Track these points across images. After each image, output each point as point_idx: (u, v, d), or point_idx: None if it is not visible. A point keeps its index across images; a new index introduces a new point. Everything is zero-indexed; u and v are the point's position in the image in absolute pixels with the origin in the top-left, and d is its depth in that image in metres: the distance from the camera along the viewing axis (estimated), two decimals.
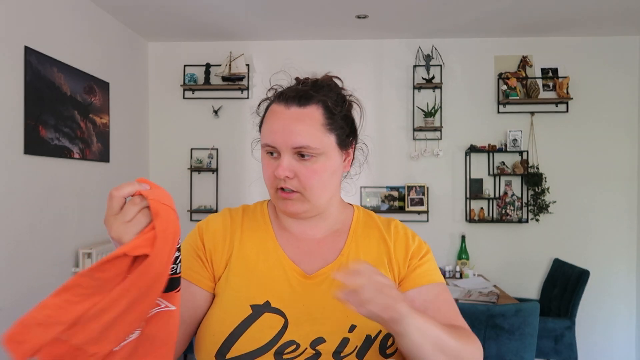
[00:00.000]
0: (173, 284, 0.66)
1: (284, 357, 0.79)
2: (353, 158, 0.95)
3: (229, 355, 0.79)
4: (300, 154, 0.84)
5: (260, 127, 0.91)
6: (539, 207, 3.56)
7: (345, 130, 0.89)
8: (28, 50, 2.37)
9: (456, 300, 2.73)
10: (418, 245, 0.92)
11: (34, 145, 2.41)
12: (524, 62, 3.64)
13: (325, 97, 0.87)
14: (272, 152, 0.86)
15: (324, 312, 0.82)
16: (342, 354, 0.79)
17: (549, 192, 3.60)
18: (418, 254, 0.91)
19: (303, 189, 0.85)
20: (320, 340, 0.80)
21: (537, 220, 3.60)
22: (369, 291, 0.67)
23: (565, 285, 3.26)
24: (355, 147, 0.95)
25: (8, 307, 2.27)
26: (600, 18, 3.26)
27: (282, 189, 0.85)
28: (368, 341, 0.80)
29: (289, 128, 0.83)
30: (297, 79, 0.91)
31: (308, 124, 0.84)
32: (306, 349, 0.80)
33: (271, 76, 0.96)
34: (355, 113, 0.94)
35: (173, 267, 0.66)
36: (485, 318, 2.18)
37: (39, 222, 2.48)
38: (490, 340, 2.18)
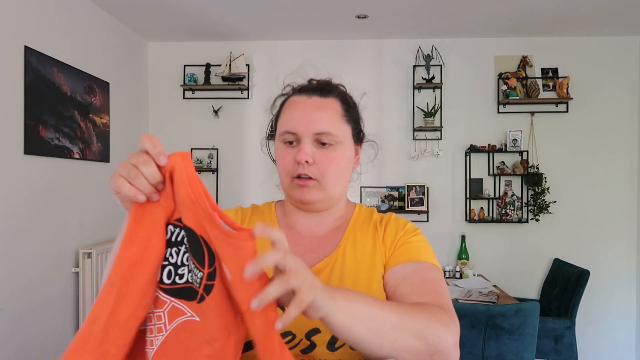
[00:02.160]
0: (187, 292, 0.62)
1: None
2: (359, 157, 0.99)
3: None
4: (320, 141, 0.86)
5: (274, 122, 0.94)
6: (539, 207, 3.56)
7: (358, 124, 0.94)
8: (28, 50, 2.37)
9: (456, 300, 2.73)
10: (405, 231, 0.91)
11: (34, 145, 2.41)
12: (524, 62, 3.64)
13: (343, 91, 0.94)
14: (291, 140, 0.87)
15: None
16: (336, 345, 0.80)
17: (549, 192, 3.60)
18: (403, 237, 0.90)
19: (321, 176, 0.87)
20: (315, 331, 0.80)
21: (537, 220, 3.60)
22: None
23: (565, 285, 3.26)
24: (361, 147, 0.98)
25: (8, 307, 2.27)
26: (600, 18, 3.26)
27: (299, 176, 0.87)
28: None
29: (310, 115, 0.86)
30: (311, 79, 0.95)
31: (329, 112, 0.88)
32: (302, 339, 0.81)
33: (285, 76, 0.99)
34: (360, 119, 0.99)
35: (175, 272, 0.63)
36: (485, 318, 2.18)
37: (39, 222, 2.48)
38: (490, 340, 2.18)
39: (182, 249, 0.63)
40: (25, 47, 2.36)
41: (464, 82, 3.70)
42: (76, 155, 2.78)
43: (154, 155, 0.60)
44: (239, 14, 3.19)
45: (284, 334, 0.81)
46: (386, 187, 3.71)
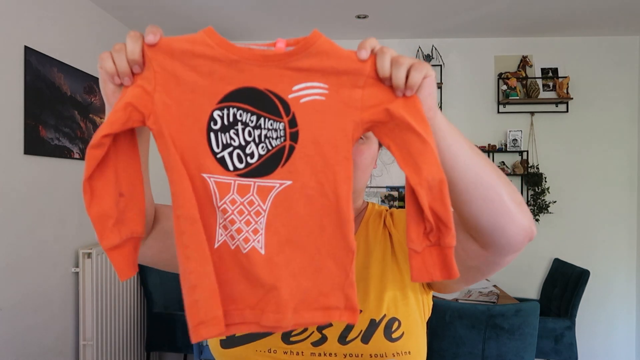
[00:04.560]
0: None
1: (291, 339, 0.80)
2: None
3: (237, 335, 0.80)
4: None
5: None
6: (539, 207, 3.56)
7: None
8: (28, 50, 2.37)
9: (456, 300, 2.73)
10: None
11: (34, 145, 2.41)
12: (524, 62, 3.64)
13: None
14: None
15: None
16: (347, 339, 0.79)
17: (549, 192, 3.60)
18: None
19: None
20: (327, 324, 0.79)
21: (537, 220, 3.60)
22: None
23: (565, 285, 3.26)
24: (379, 149, 0.97)
25: (8, 307, 2.26)
26: (600, 18, 3.26)
27: None
28: (372, 325, 0.80)
29: None
30: None
31: None
32: (313, 332, 0.80)
33: None
34: None
35: None
36: (485, 318, 2.18)
37: (39, 222, 2.48)
38: (490, 340, 2.18)
39: (240, 126, 0.60)
40: (25, 47, 2.36)
41: (464, 82, 3.70)
42: (76, 155, 2.78)
43: (145, 34, 0.59)
44: (238, 14, 3.19)
45: None
46: (386, 187, 3.71)
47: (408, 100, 0.59)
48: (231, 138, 0.60)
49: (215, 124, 0.60)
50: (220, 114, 0.60)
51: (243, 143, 0.60)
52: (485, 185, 0.65)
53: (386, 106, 0.59)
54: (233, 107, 0.60)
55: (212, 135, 0.60)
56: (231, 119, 0.60)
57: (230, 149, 0.60)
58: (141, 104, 0.59)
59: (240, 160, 0.60)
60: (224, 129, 0.60)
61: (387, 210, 0.96)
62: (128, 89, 0.59)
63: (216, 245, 0.61)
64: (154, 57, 0.58)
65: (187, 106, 0.59)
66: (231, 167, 0.60)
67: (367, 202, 1.00)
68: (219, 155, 0.60)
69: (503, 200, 0.66)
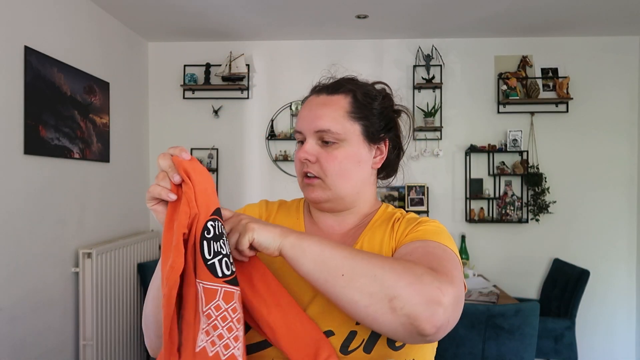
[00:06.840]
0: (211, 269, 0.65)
1: None
2: (386, 158, 0.95)
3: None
4: (323, 139, 0.86)
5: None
6: (539, 207, 3.56)
7: (375, 125, 0.90)
8: (28, 50, 2.37)
9: None
10: (418, 222, 0.88)
11: (34, 145, 2.41)
12: (524, 62, 3.64)
13: (356, 88, 0.89)
14: (301, 139, 0.89)
15: (334, 305, 0.78)
16: (349, 348, 0.77)
17: (549, 192, 3.60)
18: (415, 226, 0.86)
19: (324, 174, 0.86)
20: (329, 333, 0.78)
21: (537, 220, 3.60)
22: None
23: (565, 285, 3.26)
24: (388, 147, 0.94)
25: (8, 307, 2.27)
26: (600, 18, 3.26)
27: (307, 175, 0.88)
28: (375, 334, 0.78)
29: (313, 113, 0.87)
30: (330, 78, 0.95)
31: (332, 109, 0.87)
32: None
33: (315, 77, 0.98)
34: (404, 122, 0.97)
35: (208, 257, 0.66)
36: (485, 318, 2.18)
37: (39, 222, 2.48)
38: (490, 340, 2.18)
39: (225, 239, 0.66)
40: (25, 47, 2.36)
41: (464, 82, 3.70)
42: (76, 155, 2.78)
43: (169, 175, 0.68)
44: (239, 14, 3.19)
45: None
46: (386, 187, 3.70)
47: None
48: (221, 247, 0.64)
49: (209, 233, 0.64)
50: (213, 225, 0.65)
51: (229, 252, 0.65)
52: (334, 288, 0.67)
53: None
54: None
55: (204, 243, 0.64)
56: (222, 230, 0.65)
57: (220, 256, 0.64)
58: (185, 229, 0.64)
59: (227, 268, 0.64)
60: (215, 238, 0.65)
61: (397, 217, 0.92)
62: (180, 209, 0.65)
63: (197, 350, 0.63)
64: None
65: (192, 216, 0.65)
66: (220, 274, 0.64)
67: (381, 204, 0.99)
68: (209, 262, 0.64)
69: (369, 295, 0.66)
